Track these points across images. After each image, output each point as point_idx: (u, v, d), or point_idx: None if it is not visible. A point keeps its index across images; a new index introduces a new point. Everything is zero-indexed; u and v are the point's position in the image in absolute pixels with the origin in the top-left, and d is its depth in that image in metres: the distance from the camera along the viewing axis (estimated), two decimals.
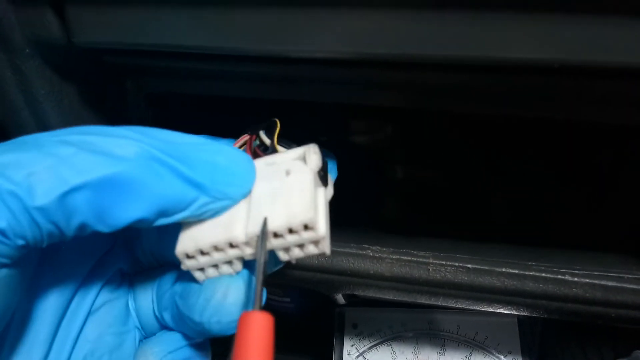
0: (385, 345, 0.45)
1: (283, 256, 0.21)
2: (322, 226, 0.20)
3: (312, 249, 0.21)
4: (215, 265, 0.22)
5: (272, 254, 0.22)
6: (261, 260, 0.20)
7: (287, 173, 0.22)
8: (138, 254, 0.27)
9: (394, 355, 0.45)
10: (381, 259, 0.34)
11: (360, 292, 0.37)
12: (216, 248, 0.22)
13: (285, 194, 0.21)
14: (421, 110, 0.34)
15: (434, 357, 0.44)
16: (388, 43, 0.25)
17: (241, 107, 0.41)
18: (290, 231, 0.20)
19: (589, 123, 0.29)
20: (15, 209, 0.18)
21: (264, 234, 0.20)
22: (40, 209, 0.18)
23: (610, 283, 0.30)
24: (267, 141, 0.26)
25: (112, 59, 0.31)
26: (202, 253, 0.22)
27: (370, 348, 0.45)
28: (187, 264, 0.22)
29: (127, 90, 0.36)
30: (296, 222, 0.20)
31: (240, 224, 0.21)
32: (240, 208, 0.22)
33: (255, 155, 0.25)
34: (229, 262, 0.22)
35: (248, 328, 0.18)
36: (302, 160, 0.23)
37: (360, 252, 0.34)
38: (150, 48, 0.28)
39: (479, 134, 0.47)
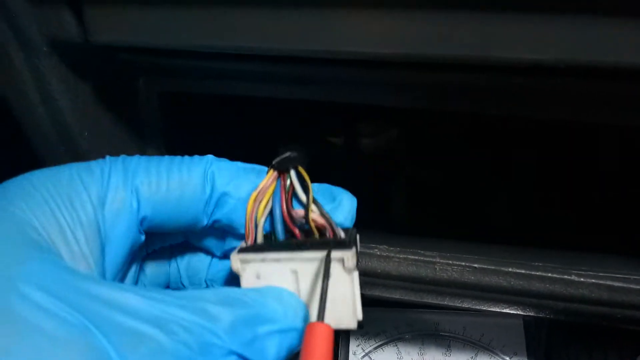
0: (391, 345, 0.45)
1: None
2: (360, 315, 0.24)
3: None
4: None
5: None
6: (326, 282, 0.22)
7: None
8: None
9: (399, 356, 0.45)
10: (388, 258, 0.34)
11: (367, 291, 0.37)
12: None
13: (331, 302, 0.23)
14: (428, 111, 0.34)
15: (439, 358, 0.44)
16: (395, 44, 0.25)
17: (250, 105, 0.41)
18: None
19: (595, 124, 0.29)
20: None
21: (328, 257, 0.23)
22: None
23: (616, 284, 0.30)
24: (303, 197, 0.25)
25: (127, 57, 0.32)
26: None
27: (376, 348, 0.46)
28: None
29: (139, 89, 0.37)
30: (342, 326, 0.24)
31: None
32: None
33: (289, 213, 0.25)
34: None
35: (314, 336, 0.20)
36: (341, 264, 0.23)
37: (368, 251, 0.35)
38: (166, 47, 0.28)
39: (486, 135, 0.47)
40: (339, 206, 0.26)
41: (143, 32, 0.28)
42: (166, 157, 0.26)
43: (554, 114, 0.30)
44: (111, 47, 0.30)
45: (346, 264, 0.23)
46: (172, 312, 0.20)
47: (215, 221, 0.26)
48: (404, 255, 0.34)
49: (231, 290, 0.23)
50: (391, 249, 0.35)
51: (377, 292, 0.37)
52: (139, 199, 0.24)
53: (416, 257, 0.34)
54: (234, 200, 0.26)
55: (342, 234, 0.25)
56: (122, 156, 0.26)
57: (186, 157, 0.26)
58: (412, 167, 0.51)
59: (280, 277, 0.24)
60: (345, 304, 0.24)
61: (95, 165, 0.24)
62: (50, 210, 0.22)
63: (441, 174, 0.51)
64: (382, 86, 0.33)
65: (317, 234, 0.25)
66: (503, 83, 0.28)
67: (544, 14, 0.22)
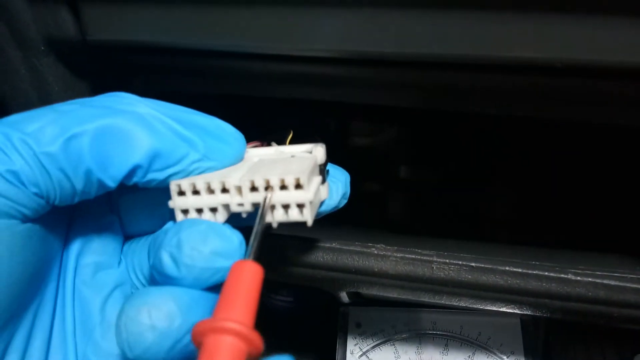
0: (389, 344, 0.46)
1: (268, 217, 0.22)
2: (311, 191, 0.22)
3: (295, 214, 0.22)
4: (200, 210, 0.22)
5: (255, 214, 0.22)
6: (263, 209, 0.21)
7: (292, 156, 0.25)
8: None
9: (397, 355, 0.45)
10: (385, 257, 0.34)
11: (364, 290, 0.37)
12: (209, 188, 0.22)
13: (286, 162, 0.24)
14: (426, 110, 0.34)
15: (436, 357, 0.44)
16: (390, 42, 0.25)
17: (247, 104, 0.41)
18: (282, 187, 0.22)
19: (592, 123, 0.29)
20: (26, 155, 0.20)
21: (268, 189, 0.22)
22: (48, 155, 0.20)
23: (613, 282, 0.30)
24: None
25: (125, 55, 0.32)
26: (194, 192, 0.22)
27: (373, 347, 0.46)
28: (175, 202, 0.22)
29: (138, 88, 0.37)
30: (290, 177, 0.21)
31: (237, 175, 0.23)
32: (240, 168, 0.24)
33: None
34: (214, 210, 0.23)
35: (239, 275, 0.18)
36: (309, 152, 0.25)
37: (365, 250, 0.34)
38: (163, 45, 0.28)
39: (482, 134, 0.47)
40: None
41: (141, 30, 0.28)
42: None
43: (550, 113, 0.30)
44: (109, 45, 0.30)
45: (313, 151, 0.25)
46: None
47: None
48: (401, 254, 0.34)
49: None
50: (388, 247, 0.35)
51: (374, 291, 0.37)
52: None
53: (413, 256, 0.34)
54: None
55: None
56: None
57: None
58: (409, 166, 0.51)
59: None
60: (298, 165, 0.23)
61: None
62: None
63: (438, 172, 0.51)
64: (378, 85, 0.33)
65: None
66: (500, 82, 0.28)
67: (540, 13, 0.23)
